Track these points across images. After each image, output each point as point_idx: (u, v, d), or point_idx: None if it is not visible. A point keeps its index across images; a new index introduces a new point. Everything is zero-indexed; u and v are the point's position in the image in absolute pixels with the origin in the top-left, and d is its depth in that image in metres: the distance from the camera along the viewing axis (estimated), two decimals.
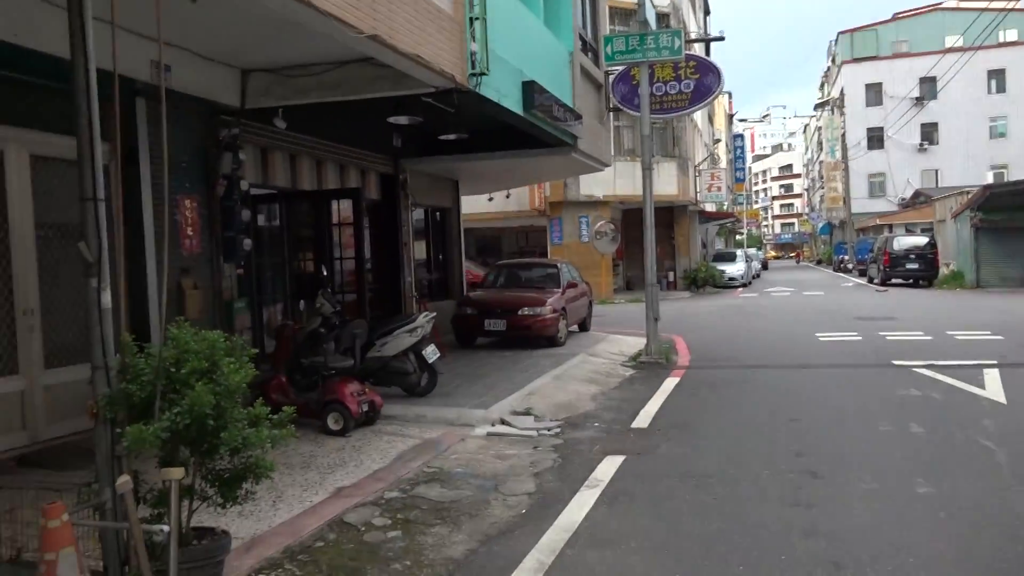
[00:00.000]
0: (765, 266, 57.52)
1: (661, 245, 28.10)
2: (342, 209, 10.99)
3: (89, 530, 3.65)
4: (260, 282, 9.89)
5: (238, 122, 8.31)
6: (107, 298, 3.42)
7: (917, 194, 42.87)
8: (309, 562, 4.36)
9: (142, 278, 7.16)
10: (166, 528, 3.35)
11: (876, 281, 31.29)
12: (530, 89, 9.47)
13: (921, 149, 50.47)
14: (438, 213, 15.95)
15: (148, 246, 7.21)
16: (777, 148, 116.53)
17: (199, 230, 7.91)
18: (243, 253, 8.42)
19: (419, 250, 14.85)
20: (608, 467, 6.24)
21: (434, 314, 9.07)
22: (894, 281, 30.02)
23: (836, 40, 57.78)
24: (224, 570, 3.82)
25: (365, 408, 7.44)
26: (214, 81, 7.59)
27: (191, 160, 7.86)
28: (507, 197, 22.68)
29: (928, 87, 48.32)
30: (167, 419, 3.36)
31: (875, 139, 51.92)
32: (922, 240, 30.50)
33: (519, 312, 12.90)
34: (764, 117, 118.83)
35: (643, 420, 7.98)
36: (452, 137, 10.08)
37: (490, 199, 22.37)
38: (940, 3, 54.55)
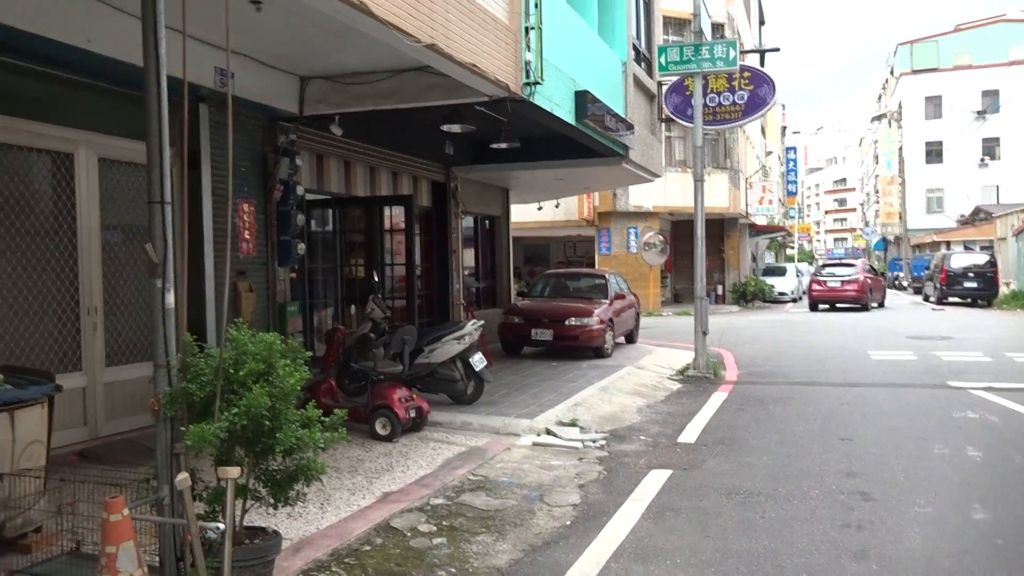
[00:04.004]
0: None
1: (710, 258, 27.73)
2: (394, 215, 11.14)
3: (146, 525, 3.75)
4: (312, 286, 10.08)
5: (295, 128, 8.49)
6: (171, 299, 3.51)
7: (977, 210, 41.66)
8: (356, 565, 4.41)
9: (201, 280, 7.34)
10: (221, 526, 3.42)
11: (932, 299, 30.44)
12: (583, 99, 9.48)
13: (982, 164, 49.03)
14: (487, 221, 16.04)
15: (207, 249, 7.40)
16: (831, 161, 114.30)
17: (255, 234, 8.09)
18: (297, 257, 8.60)
19: (468, 257, 14.95)
20: (654, 481, 6.19)
21: (482, 322, 9.10)
22: (951, 300, 29.17)
23: (895, 52, 56.61)
24: (274, 570, 3.88)
25: (412, 414, 7.50)
26: (274, 88, 7.78)
27: (250, 165, 8.05)
28: (556, 206, 22.70)
29: (990, 100, 47.06)
30: (226, 419, 3.44)
31: (934, 153, 50.67)
32: (981, 258, 29.52)
33: (566, 322, 12.88)
34: (818, 131, 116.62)
35: (690, 435, 7.89)
36: (504, 146, 10.12)
37: (539, 208, 22.42)
38: (1004, 15, 52.99)
